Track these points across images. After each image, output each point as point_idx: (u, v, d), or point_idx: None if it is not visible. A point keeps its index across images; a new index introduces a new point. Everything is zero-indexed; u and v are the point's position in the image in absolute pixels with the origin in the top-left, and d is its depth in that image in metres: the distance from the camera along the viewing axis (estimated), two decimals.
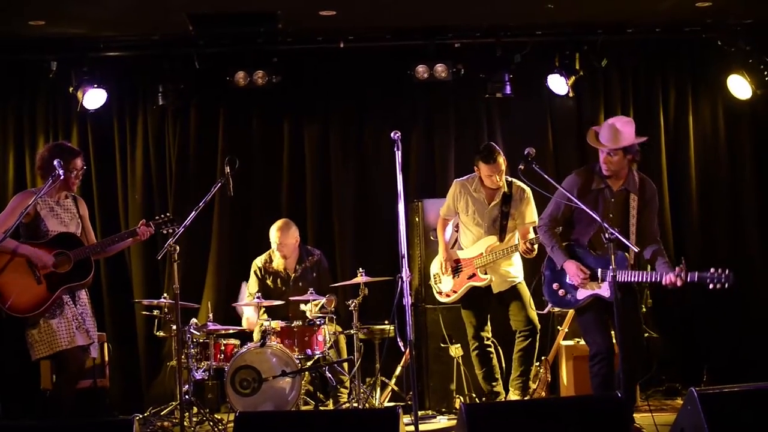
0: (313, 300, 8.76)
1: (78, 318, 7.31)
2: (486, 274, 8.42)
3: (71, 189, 7.50)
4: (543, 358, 8.73)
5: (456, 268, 8.62)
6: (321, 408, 8.94)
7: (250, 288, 9.38)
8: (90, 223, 7.75)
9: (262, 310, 9.02)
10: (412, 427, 7.02)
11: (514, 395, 8.49)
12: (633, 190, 7.34)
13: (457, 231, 8.76)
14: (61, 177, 7.21)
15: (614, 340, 7.33)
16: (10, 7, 8.63)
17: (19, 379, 8.92)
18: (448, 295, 8.71)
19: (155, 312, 8.90)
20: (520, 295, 8.43)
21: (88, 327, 7.38)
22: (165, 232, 7.80)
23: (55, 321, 7.19)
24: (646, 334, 9.40)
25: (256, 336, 9.00)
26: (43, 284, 7.19)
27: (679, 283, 7.02)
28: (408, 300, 7.02)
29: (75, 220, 7.50)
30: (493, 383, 8.55)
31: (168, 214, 7.83)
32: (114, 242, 7.62)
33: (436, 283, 8.84)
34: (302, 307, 8.89)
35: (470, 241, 8.59)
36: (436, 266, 8.85)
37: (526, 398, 8.44)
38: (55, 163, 7.19)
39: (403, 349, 8.25)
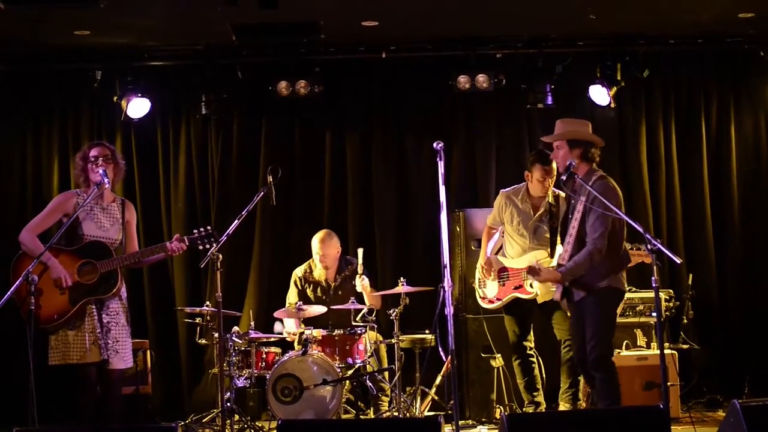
0: (355, 308, 8.81)
1: (97, 331, 7.14)
2: (532, 287, 8.27)
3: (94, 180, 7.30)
4: None
5: (502, 276, 8.57)
6: (361, 417, 8.96)
7: (290, 298, 9.38)
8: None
9: (302, 318, 9.03)
10: None
11: (564, 408, 8.35)
12: None
13: (503, 237, 8.70)
14: (107, 185, 7.23)
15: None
16: (56, 18, 8.70)
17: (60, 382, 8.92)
18: (491, 302, 8.60)
19: (197, 320, 8.93)
20: None
21: (111, 338, 7.19)
22: (201, 248, 7.52)
23: (72, 333, 7.10)
24: (687, 345, 9.39)
25: (297, 344, 9.03)
26: (65, 295, 7.09)
27: None
28: (450, 309, 7.02)
29: (117, 225, 7.40)
30: (534, 393, 8.50)
31: (208, 228, 7.53)
32: (144, 255, 7.41)
33: (479, 287, 8.73)
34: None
35: (515, 252, 8.47)
36: (480, 271, 8.82)
37: None
38: (101, 171, 7.23)
39: (444, 359, 8.27)
